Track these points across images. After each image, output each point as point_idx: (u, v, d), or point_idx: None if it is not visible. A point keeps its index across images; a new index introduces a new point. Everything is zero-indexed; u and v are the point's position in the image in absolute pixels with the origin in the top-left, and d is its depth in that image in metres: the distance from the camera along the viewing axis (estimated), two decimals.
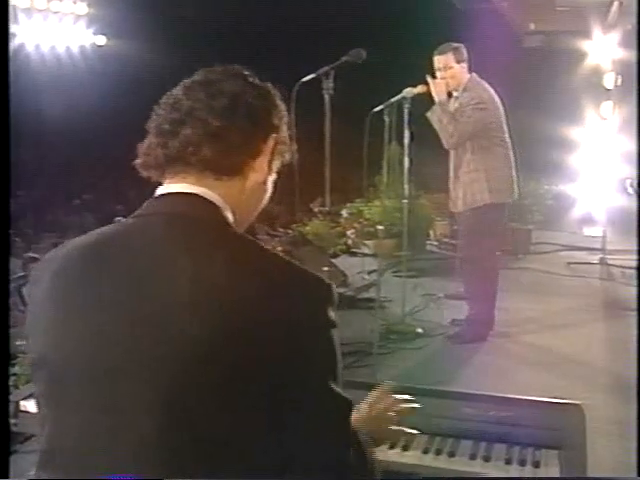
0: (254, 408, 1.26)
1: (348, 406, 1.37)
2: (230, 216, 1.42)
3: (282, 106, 1.51)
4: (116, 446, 1.27)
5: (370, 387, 2.05)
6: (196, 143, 1.37)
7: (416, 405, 1.83)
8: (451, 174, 5.38)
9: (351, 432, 1.38)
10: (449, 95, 5.25)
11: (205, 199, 1.39)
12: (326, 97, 3.66)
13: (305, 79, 3.60)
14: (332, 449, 1.34)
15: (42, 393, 1.37)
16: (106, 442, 1.27)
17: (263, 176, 1.47)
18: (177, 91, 1.45)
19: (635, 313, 5.07)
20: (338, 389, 1.33)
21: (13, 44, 12.73)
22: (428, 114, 5.23)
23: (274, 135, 1.46)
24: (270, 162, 1.47)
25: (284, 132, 1.50)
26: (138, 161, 1.46)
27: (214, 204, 1.39)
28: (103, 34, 14.38)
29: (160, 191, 1.44)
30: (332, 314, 1.34)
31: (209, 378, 1.24)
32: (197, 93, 1.41)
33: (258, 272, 1.31)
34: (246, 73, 1.48)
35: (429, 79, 5.18)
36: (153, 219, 1.39)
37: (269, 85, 1.50)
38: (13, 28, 12.60)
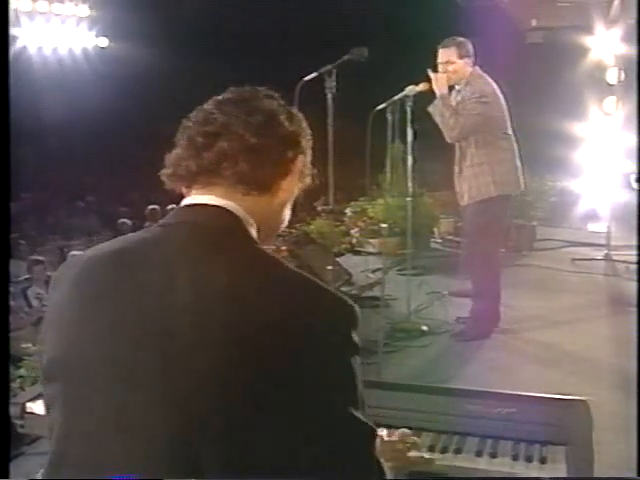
0: (271, 429, 1.24)
1: (371, 432, 1.34)
2: (254, 232, 1.44)
3: (308, 130, 1.55)
4: (127, 448, 1.27)
5: (376, 385, 2.05)
6: (232, 157, 1.40)
7: (427, 455, 1.83)
8: (456, 168, 5.37)
9: (374, 459, 1.35)
10: (450, 89, 5.25)
11: (231, 212, 1.41)
12: (329, 96, 3.67)
13: (307, 78, 3.61)
14: (356, 475, 1.31)
15: (54, 395, 1.37)
16: (117, 444, 1.28)
17: (289, 195, 1.51)
18: (208, 106, 1.47)
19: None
20: (359, 415, 1.31)
21: (16, 47, 12.77)
22: (430, 108, 5.23)
23: (302, 157, 1.51)
24: (295, 183, 1.52)
25: (309, 155, 1.55)
26: (167, 172, 1.47)
27: (239, 218, 1.41)
28: (105, 36, 14.42)
29: (186, 201, 1.46)
30: (355, 337, 1.35)
31: (227, 394, 1.24)
32: (232, 109, 1.44)
33: (280, 289, 1.32)
34: (276, 95, 1.52)
35: (431, 73, 5.18)
36: (177, 229, 1.41)
37: (295, 109, 1.55)
38: (15, 31, 12.63)
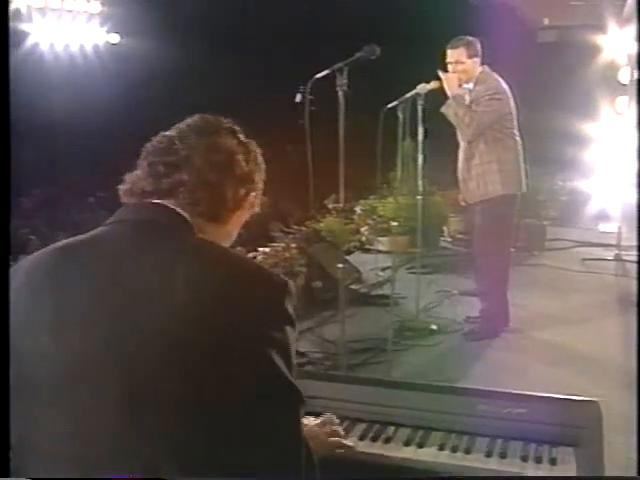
0: (214, 397, 1.32)
1: (300, 398, 1.43)
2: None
3: (262, 164, 1.67)
4: (82, 444, 1.32)
5: (385, 384, 2.05)
6: (189, 187, 1.50)
7: (351, 444, 1.89)
8: (461, 166, 5.36)
9: (301, 424, 1.45)
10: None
11: (172, 209, 1.49)
12: (340, 93, 3.65)
13: (319, 75, 3.59)
14: (284, 437, 1.41)
15: (13, 390, 1.41)
16: (72, 440, 1.33)
17: (237, 226, 1.64)
18: (172, 134, 1.57)
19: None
20: (291, 379, 1.40)
21: (27, 43, 12.81)
22: (443, 109, 5.22)
23: (253, 194, 1.63)
24: (245, 215, 1.65)
25: (260, 188, 1.67)
26: (124, 187, 1.56)
27: (182, 215, 1.48)
28: (116, 32, 14.43)
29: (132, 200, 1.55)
30: (290, 309, 1.43)
31: (170, 374, 1.31)
32: (194, 142, 1.54)
33: (216, 271, 1.40)
34: (237, 129, 1.62)
35: (441, 74, 5.18)
36: (120, 226, 1.50)
37: (254, 143, 1.65)
38: (27, 27, 12.67)
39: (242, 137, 1.62)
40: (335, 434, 1.87)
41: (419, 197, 5.86)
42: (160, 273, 1.37)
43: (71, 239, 1.51)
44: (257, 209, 1.68)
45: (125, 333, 1.33)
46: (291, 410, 1.41)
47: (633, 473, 2.66)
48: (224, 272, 1.41)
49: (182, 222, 1.48)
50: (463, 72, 5.17)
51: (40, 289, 1.42)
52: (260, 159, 1.67)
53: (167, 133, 1.57)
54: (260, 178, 1.66)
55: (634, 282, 6.85)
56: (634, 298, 6.14)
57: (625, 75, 8.30)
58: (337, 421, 1.91)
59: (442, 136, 5.64)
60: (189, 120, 1.60)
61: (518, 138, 5.25)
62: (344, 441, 1.87)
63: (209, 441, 1.31)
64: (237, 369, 1.33)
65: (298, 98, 3.56)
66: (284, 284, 1.43)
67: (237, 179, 1.56)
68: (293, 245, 6.25)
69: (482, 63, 5.23)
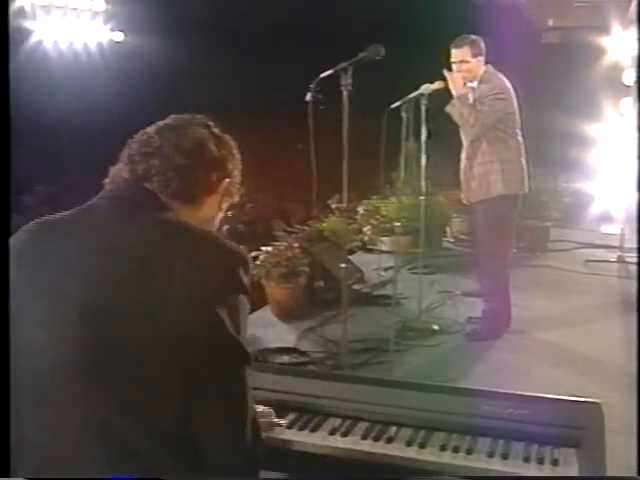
0: (169, 353, 1.44)
1: (246, 357, 1.54)
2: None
3: (237, 155, 1.80)
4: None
5: (387, 384, 2.05)
6: (162, 172, 1.62)
7: (283, 422, 2.02)
8: (463, 165, 5.35)
9: (245, 378, 1.54)
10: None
11: (145, 187, 1.62)
12: (344, 93, 3.64)
13: (323, 75, 3.58)
14: (231, 395, 1.52)
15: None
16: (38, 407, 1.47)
17: (214, 210, 1.75)
18: (150, 130, 1.70)
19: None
20: (240, 340, 1.52)
21: (31, 40, 12.81)
22: (447, 108, 5.22)
23: (227, 180, 1.74)
24: (220, 201, 1.75)
25: (236, 177, 1.79)
26: (107, 180, 1.69)
27: (154, 193, 1.61)
28: (120, 30, 14.42)
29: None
30: (244, 278, 1.54)
31: (127, 339, 1.44)
32: (168, 134, 1.67)
33: (179, 241, 1.53)
34: (210, 123, 1.75)
35: (446, 73, 5.18)
36: (96, 204, 1.63)
37: (228, 136, 1.78)
38: (31, 24, 12.67)
39: (215, 130, 1.75)
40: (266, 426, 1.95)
41: (422, 197, 5.86)
42: (128, 244, 1.51)
43: (50, 216, 1.65)
44: (236, 198, 1.80)
45: (92, 302, 1.45)
46: (236, 367, 1.53)
47: (633, 474, 2.66)
48: (187, 242, 1.54)
49: (154, 199, 1.61)
50: (468, 71, 5.17)
51: (19, 263, 1.55)
52: (234, 150, 1.79)
53: (146, 130, 1.71)
54: (234, 166, 1.77)
55: (636, 284, 6.85)
56: (636, 300, 6.14)
57: (629, 77, 8.28)
58: (270, 410, 2.01)
59: (445, 136, 5.63)
60: (167, 119, 1.74)
61: (520, 138, 5.24)
62: (275, 420, 2.00)
63: (161, 396, 1.44)
64: (191, 328, 1.44)
65: (308, 97, 3.56)
66: (240, 255, 1.57)
67: (207, 163, 1.68)
68: (296, 244, 6.25)
69: (486, 63, 5.22)
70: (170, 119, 1.74)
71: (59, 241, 1.57)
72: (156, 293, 1.45)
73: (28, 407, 1.47)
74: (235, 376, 1.53)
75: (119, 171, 1.67)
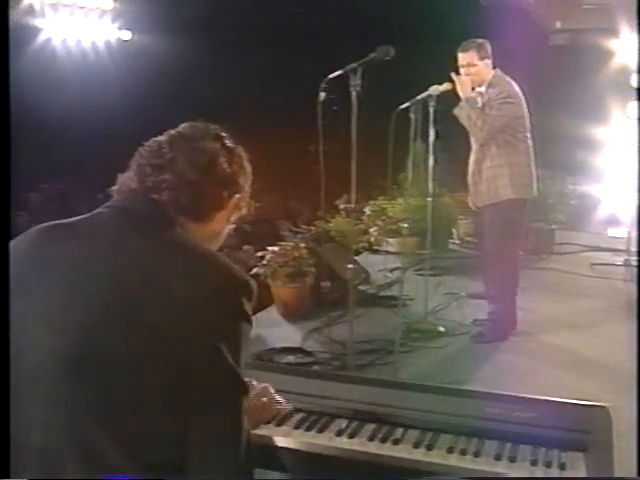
0: (164, 379, 1.42)
1: (245, 388, 1.51)
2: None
3: (248, 168, 1.76)
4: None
5: (393, 385, 2.05)
6: (172, 187, 1.59)
7: (290, 407, 2.03)
8: (471, 169, 5.34)
9: (243, 413, 1.51)
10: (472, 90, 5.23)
11: (154, 199, 1.58)
12: (353, 94, 3.64)
13: (332, 75, 3.59)
14: (227, 420, 1.49)
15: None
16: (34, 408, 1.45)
17: (221, 227, 1.72)
18: (162, 139, 1.66)
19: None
20: (239, 371, 1.48)
21: (40, 38, 12.85)
22: (455, 111, 5.21)
23: (237, 195, 1.71)
24: (229, 216, 1.73)
25: (247, 191, 1.75)
26: (115, 187, 1.66)
27: (162, 206, 1.58)
28: (128, 29, 14.46)
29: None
30: (246, 306, 1.51)
31: (129, 351, 1.42)
32: (181, 146, 1.63)
33: (184, 263, 1.49)
34: (224, 135, 1.70)
35: (454, 77, 5.17)
36: (103, 212, 1.60)
37: (240, 148, 1.73)
38: (40, 23, 12.72)
39: (228, 142, 1.70)
40: (267, 407, 1.97)
41: (429, 199, 5.85)
42: (129, 257, 1.49)
43: (56, 221, 1.62)
44: (244, 211, 1.77)
45: (91, 313, 1.43)
46: (232, 399, 1.49)
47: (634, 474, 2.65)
48: (191, 264, 1.50)
49: (161, 213, 1.57)
50: (476, 74, 5.16)
51: (20, 266, 1.53)
52: (246, 163, 1.75)
53: (158, 138, 1.67)
54: (245, 181, 1.74)
55: None
56: None
57: (637, 80, 8.26)
58: (272, 390, 2.00)
59: (453, 138, 5.63)
60: (180, 127, 1.70)
61: (530, 142, 5.23)
62: (279, 407, 2.00)
63: (154, 422, 1.42)
64: (189, 355, 1.42)
65: (322, 97, 3.57)
66: (244, 282, 1.53)
67: (218, 180, 1.65)
68: (302, 245, 6.24)
69: (494, 66, 5.21)
70: (183, 128, 1.70)
71: (61, 247, 1.54)
72: (152, 312, 1.43)
73: (28, 409, 1.46)
74: (231, 407, 1.49)
75: (127, 180, 1.64)
